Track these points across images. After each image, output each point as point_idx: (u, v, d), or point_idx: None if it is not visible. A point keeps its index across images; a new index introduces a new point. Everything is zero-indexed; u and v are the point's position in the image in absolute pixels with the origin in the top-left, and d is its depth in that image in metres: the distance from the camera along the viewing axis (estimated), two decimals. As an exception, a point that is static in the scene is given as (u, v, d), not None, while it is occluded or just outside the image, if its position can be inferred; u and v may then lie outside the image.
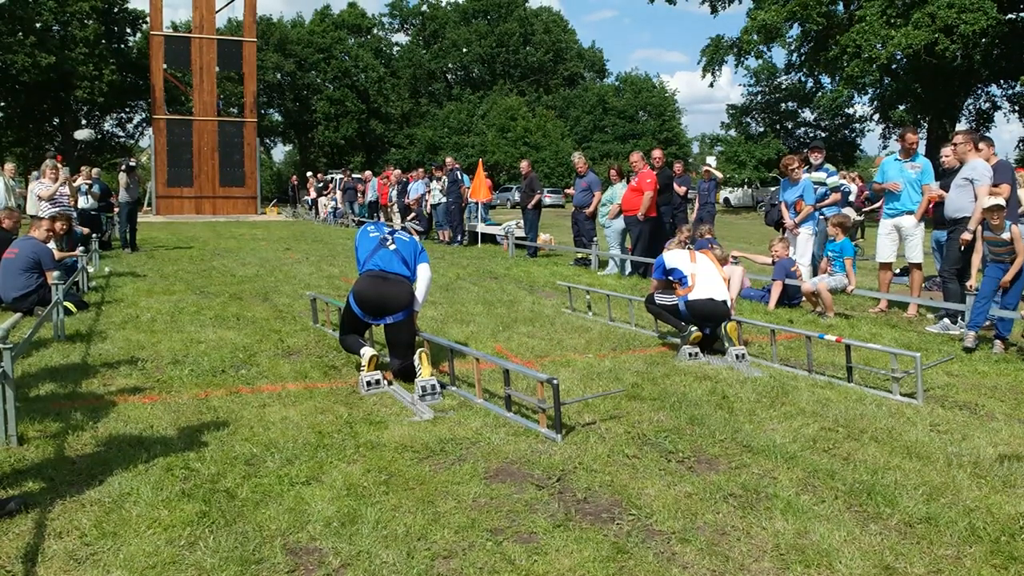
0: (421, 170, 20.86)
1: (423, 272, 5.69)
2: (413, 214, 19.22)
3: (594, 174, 13.68)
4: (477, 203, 17.79)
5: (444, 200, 17.65)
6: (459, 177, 17.45)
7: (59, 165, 13.40)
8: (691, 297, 6.48)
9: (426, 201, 18.92)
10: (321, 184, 31.21)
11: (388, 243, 5.68)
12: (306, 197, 33.08)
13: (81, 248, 10.72)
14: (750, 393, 5.28)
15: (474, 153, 52.34)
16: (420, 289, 5.60)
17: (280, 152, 78.76)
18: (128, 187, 15.38)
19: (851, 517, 3.40)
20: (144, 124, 51.30)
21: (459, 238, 17.22)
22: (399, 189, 20.68)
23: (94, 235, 13.46)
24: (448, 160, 18.08)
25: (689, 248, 6.99)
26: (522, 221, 15.82)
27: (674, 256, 6.75)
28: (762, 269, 11.11)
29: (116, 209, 16.24)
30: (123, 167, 15.64)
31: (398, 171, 22.12)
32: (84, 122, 49.32)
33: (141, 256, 14.22)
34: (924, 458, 4.10)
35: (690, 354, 6.30)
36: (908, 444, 4.31)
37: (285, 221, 29.27)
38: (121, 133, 53.75)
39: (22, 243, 8.28)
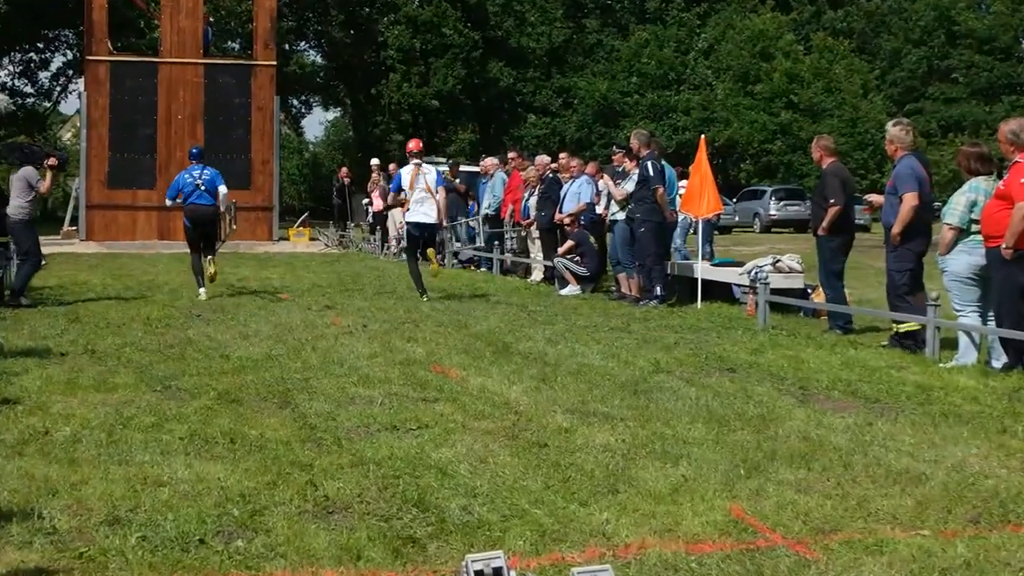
0: (567, 159, 12.59)
1: (222, 190, 10.30)
2: (577, 253, 11.60)
3: (920, 163, 7.77)
4: (697, 221, 11.41)
5: (633, 211, 10.32)
6: (659, 170, 10.04)
7: None
8: (408, 218, 10.16)
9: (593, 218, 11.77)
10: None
11: (200, 187, 10.11)
12: (366, 206, 20.58)
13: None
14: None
15: (688, 124, 32.10)
16: (222, 202, 10.34)
17: (317, 123, 53.91)
18: (28, 190, 9.59)
19: None
20: (70, 72, 32.66)
21: (659, 289, 10.24)
22: (542, 192, 12.46)
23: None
24: (636, 138, 10.51)
25: (417, 166, 9.76)
26: (793, 256, 10.38)
27: (404, 171, 10.01)
28: None
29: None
30: (48, 160, 9.86)
31: (543, 159, 13.41)
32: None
33: (53, 316, 9.52)
34: None
35: None
36: None
37: (325, 253, 19.64)
38: (29, 88, 33.55)
39: None
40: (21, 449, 4.92)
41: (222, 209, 10.49)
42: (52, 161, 9.95)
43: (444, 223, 11.13)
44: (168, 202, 10.81)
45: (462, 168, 18.04)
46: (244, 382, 6.62)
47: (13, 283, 9.71)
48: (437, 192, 9.89)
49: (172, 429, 5.36)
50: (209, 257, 10.32)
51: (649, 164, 9.90)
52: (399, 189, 10.10)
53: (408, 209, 9.95)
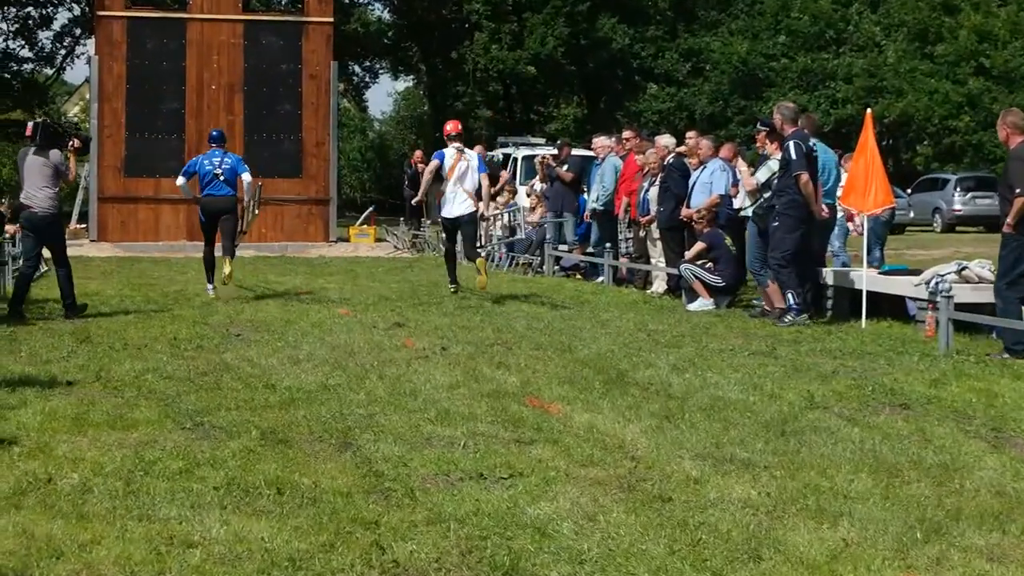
0: (696, 140, 11.24)
1: (246, 178, 9.80)
2: (708, 258, 10.17)
3: None
4: (859, 220, 10.36)
5: (769, 202, 9.12)
6: (805, 152, 8.69)
7: None
8: (443, 214, 9.83)
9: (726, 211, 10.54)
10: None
11: (220, 176, 9.62)
12: None
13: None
14: None
15: (849, 95, 28.08)
16: (247, 192, 10.06)
17: (385, 95, 49.07)
18: (57, 178, 8.69)
19: None
20: (77, 31, 27.74)
21: (791, 297, 9.07)
22: (664, 181, 10.89)
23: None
24: (779, 112, 9.14)
25: (459, 151, 9.49)
26: (984, 262, 9.34)
27: (447, 154, 9.61)
28: None
29: (11, 230, 9.99)
30: (72, 143, 8.94)
31: (666, 139, 11.77)
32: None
33: (58, 335, 8.29)
34: None
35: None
36: None
37: (395, 258, 17.57)
38: (27, 51, 27.98)
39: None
40: (18, 501, 4.34)
41: (247, 200, 10.10)
42: (76, 144, 8.98)
43: (486, 209, 10.73)
44: (179, 180, 9.83)
45: (574, 152, 14.89)
46: (294, 418, 6.03)
47: (62, 297, 8.91)
48: (480, 179, 9.65)
49: (204, 476, 4.78)
50: (227, 256, 9.76)
51: (791, 145, 8.37)
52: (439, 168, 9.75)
53: (441, 202, 9.78)
